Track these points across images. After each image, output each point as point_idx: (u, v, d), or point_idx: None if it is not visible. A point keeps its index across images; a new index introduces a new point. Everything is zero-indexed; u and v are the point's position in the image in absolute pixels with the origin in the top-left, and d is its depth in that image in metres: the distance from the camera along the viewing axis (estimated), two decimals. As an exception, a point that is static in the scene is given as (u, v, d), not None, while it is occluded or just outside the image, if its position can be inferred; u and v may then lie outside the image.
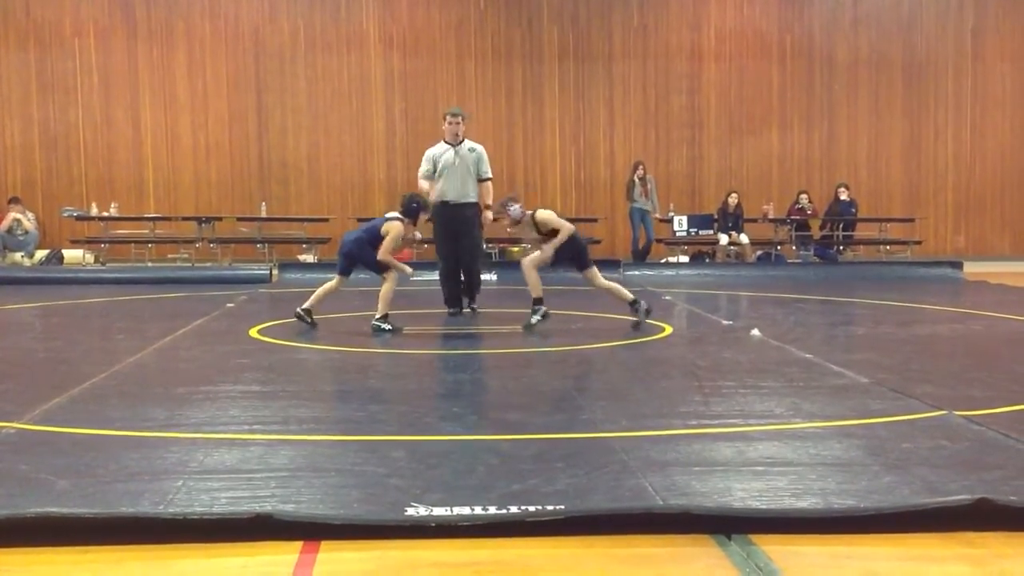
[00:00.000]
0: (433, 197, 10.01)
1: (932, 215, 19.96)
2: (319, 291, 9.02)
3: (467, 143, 10.45)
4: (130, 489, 3.73)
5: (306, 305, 8.92)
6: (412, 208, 8.93)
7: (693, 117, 19.70)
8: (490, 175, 10.54)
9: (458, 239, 10.21)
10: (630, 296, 8.98)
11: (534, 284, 8.76)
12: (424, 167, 10.34)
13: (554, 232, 8.75)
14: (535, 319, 8.66)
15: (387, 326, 8.43)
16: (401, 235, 8.81)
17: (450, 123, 10.43)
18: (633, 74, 19.53)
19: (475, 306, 10.49)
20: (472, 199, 10.32)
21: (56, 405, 5.32)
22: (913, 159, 20.14)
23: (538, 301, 8.73)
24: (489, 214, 10.46)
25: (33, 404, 5.26)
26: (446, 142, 10.42)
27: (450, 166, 10.22)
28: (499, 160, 19.20)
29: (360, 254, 8.77)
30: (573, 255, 8.92)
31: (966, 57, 20.14)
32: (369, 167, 19.06)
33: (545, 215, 8.93)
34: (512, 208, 8.95)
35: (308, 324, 8.79)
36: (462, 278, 10.36)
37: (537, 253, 8.84)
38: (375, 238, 8.76)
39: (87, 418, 5.03)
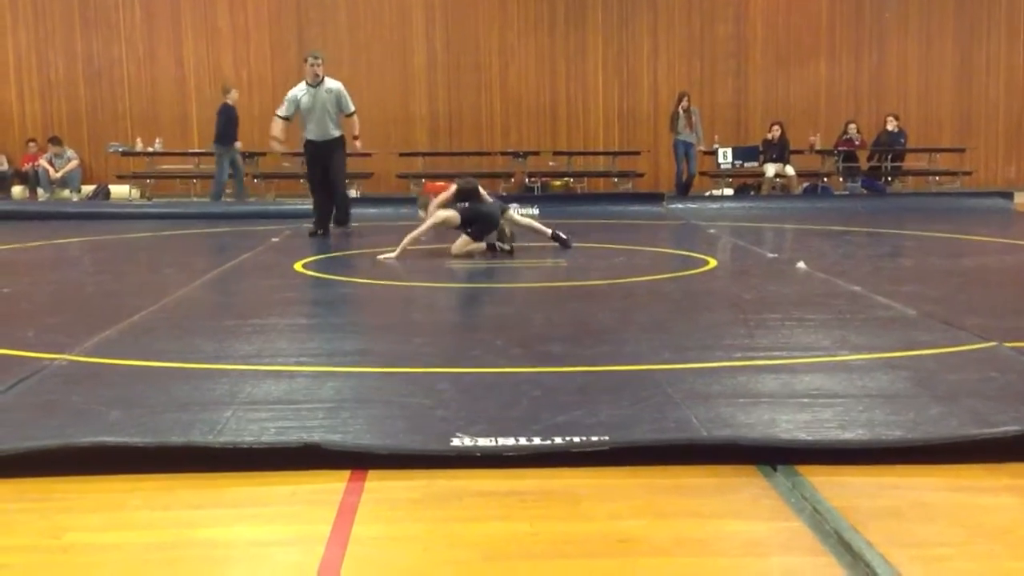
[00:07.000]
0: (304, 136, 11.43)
1: (983, 145, 19.52)
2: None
3: (326, 83, 11.29)
4: (181, 419, 3.79)
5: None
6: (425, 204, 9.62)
7: (739, 47, 19.33)
8: (353, 109, 11.46)
9: (326, 172, 11.32)
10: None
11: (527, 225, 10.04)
12: (285, 108, 11.38)
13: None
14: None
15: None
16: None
17: (311, 65, 11.38)
18: (678, 3, 19.16)
19: (349, 229, 11.57)
20: (334, 135, 11.31)
21: (106, 337, 5.39)
22: (964, 88, 19.65)
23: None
24: (358, 143, 11.67)
25: (84, 336, 5.33)
26: (308, 84, 11.32)
27: (310, 108, 11.20)
28: (541, 93, 19.08)
29: None
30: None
31: (1020, -20, 19.55)
32: (410, 101, 18.95)
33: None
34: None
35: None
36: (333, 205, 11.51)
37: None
38: None
39: (137, 350, 5.10)
